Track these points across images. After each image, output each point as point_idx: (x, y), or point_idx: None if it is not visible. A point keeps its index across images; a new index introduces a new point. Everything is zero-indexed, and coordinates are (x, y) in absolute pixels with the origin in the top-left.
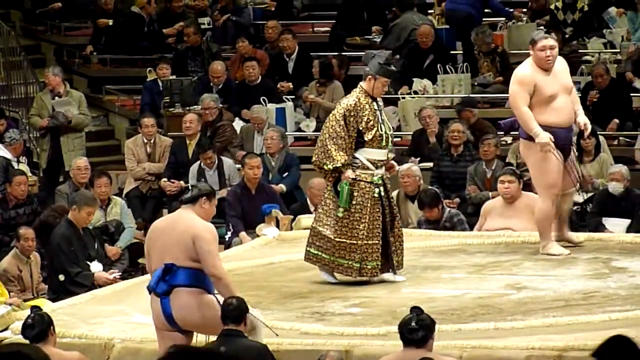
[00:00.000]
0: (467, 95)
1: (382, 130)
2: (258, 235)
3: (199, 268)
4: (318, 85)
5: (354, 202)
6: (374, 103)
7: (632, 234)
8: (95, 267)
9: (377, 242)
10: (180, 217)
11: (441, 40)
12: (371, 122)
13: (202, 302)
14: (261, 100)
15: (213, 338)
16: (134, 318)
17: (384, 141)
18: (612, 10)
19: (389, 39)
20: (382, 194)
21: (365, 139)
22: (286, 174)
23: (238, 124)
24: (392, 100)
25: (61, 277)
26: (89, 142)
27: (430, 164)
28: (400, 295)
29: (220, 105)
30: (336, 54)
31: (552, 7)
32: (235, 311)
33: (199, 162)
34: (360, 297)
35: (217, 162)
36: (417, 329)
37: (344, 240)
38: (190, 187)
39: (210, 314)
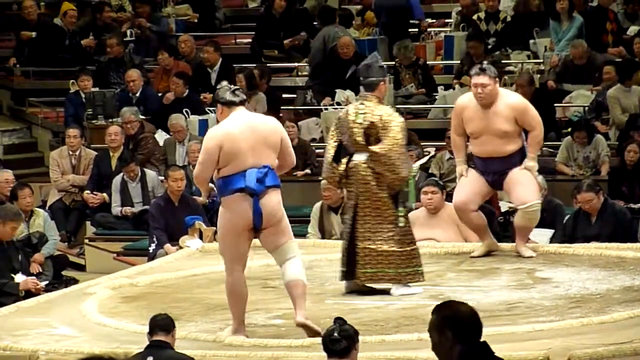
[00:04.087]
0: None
1: None
2: (181, 247)
3: (274, 167)
4: None
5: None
6: None
7: (556, 244)
8: (20, 279)
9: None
10: (257, 119)
11: (363, 51)
12: None
13: (281, 202)
14: (184, 113)
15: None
16: (58, 330)
17: None
18: None
19: (311, 51)
20: None
21: None
22: None
23: (161, 136)
24: (315, 112)
25: None
26: (11, 155)
27: None
28: (324, 307)
29: (141, 116)
30: (257, 65)
31: (475, 17)
32: (165, 321)
33: (121, 174)
34: (283, 309)
35: (140, 174)
36: (339, 339)
37: (407, 248)
38: (234, 90)
39: (282, 213)
